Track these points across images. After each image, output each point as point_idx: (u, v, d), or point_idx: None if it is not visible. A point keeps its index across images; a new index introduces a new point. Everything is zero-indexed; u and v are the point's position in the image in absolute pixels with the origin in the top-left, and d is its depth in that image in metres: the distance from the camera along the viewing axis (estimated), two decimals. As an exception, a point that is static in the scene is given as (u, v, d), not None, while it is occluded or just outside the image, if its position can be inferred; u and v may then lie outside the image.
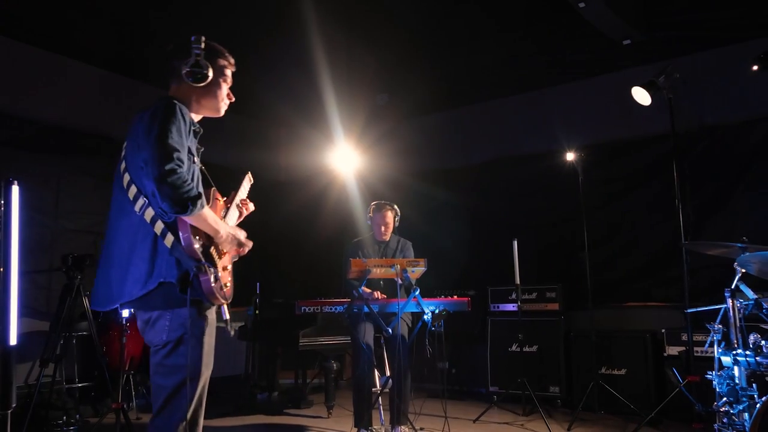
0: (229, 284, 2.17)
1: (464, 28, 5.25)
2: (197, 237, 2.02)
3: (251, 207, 2.51)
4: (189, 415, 2.02)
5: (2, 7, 4.66)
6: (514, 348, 5.32)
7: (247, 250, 2.26)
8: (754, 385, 2.75)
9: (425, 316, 3.76)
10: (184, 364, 1.98)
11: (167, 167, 1.88)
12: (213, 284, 2.00)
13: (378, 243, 4.38)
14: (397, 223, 4.40)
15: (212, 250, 2.09)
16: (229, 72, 2.29)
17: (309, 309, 3.83)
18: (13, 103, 5.10)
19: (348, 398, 4.31)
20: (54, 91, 5.39)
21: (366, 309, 3.79)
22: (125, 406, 3.85)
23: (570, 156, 5.06)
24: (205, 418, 2.15)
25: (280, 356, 5.76)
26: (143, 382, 5.18)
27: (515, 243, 4.92)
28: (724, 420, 2.80)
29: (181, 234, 1.99)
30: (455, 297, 4.03)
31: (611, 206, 5.52)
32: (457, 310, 3.87)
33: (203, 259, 2.01)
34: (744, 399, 2.71)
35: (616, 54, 5.51)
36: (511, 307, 5.44)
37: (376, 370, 4.16)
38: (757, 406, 2.48)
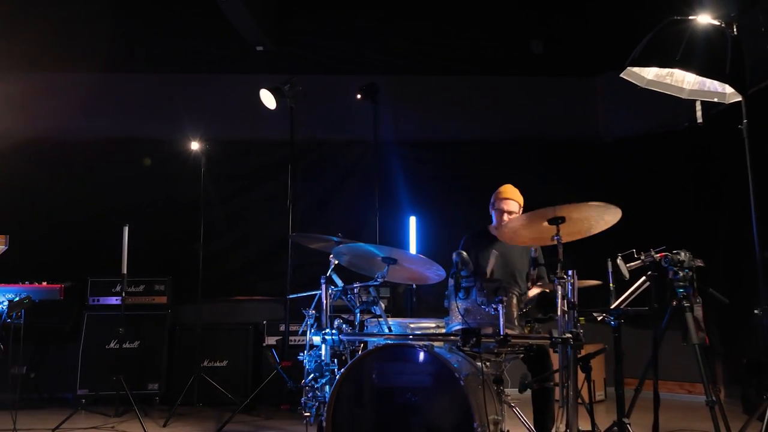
0: None
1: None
2: None
3: None
4: None
5: None
6: (112, 345, 4.86)
7: None
8: (335, 360, 3.13)
9: None
10: None
11: None
12: None
13: None
14: None
15: None
16: None
17: None
18: None
19: None
20: None
21: None
22: None
23: (195, 146, 4.97)
24: None
25: None
26: None
27: (126, 229, 4.53)
28: (310, 394, 3.09)
29: None
30: (44, 284, 3.45)
31: (230, 202, 5.66)
32: (45, 299, 3.32)
33: None
34: (327, 373, 3.06)
35: (249, 57, 5.75)
36: (114, 300, 4.98)
37: None
38: (337, 377, 2.81)
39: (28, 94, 5.71)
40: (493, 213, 3.66)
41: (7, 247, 3.18)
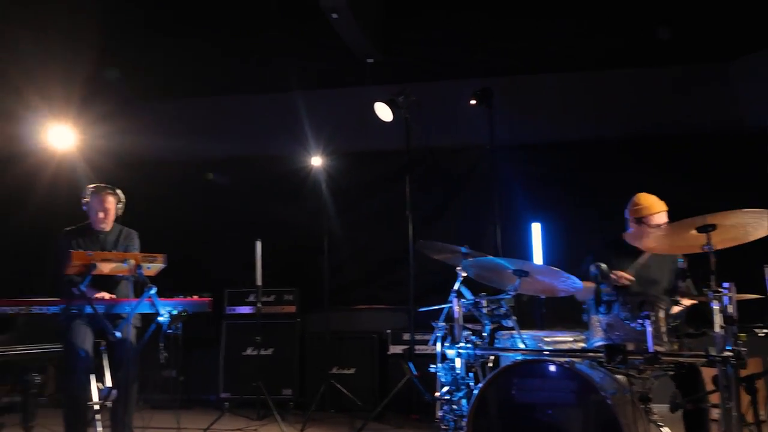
0: None
1: (210, 15, 5.01)
2: None
3: None
4: None
5: None
6: (249, 351, 5.18)
7: None
8: (470, 374, 3.14)
9: (161, 318, 3.39)
10: None
11: None
12: None
13: (97, 233, 3.83)
14: (120, 212, 3.90)
15: None
16: None
17: (12, 310, 3.12)
18: None
19: (51, 417, 3.68)
20: None
21: (89, 310, 3.26)
22: None
23: (315, 161, 5.20)
24: None
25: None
26: None
27: (258, 244, 4.82)
28: (446, 407, 3.13)
29: None
30: (195, 297, 3.74)
31: (350, 213, 5.81)
32: (197, 312, 3.60)
33: None
34: (463, 387, 3.08)
35: (360, 70, 5.89)
36: (247, 309, 5.30)
37: (94, 380, 3.62)
38: (474, 392, 2.82)
39: (159, 120, 6.26)
40: (630, 222, 3.47)
41: (165, 266, 3.48)
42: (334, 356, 5.01)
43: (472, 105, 5.38)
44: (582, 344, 3.05)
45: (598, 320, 2.78)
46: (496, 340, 3.35)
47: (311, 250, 5.49)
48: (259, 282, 4.78)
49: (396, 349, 4.93)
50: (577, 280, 2.93)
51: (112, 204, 3.83)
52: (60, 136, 5.43)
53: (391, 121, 5.08)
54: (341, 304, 5.56)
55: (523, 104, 5.71)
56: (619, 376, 2.82)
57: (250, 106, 6.31)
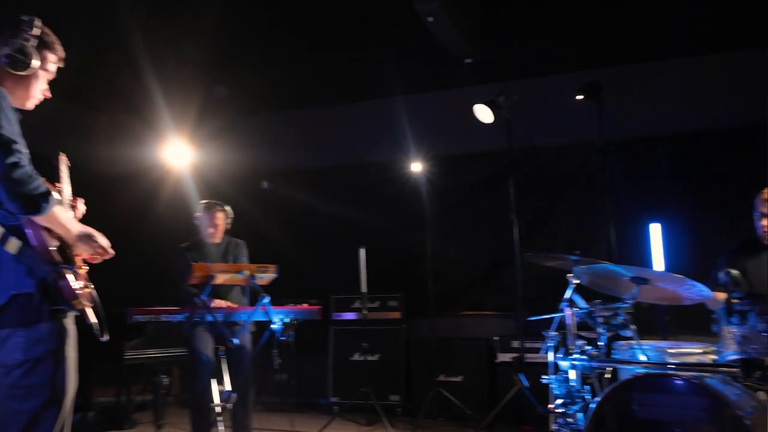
0: (90, 285, 2.01)
1: (307, 28, 5.14)
2: (50, 237, 1.80)
3: (82, 207, 2.23)
4: None
5: None
6: (356, 357, 5.27)
7: (102, 252, 2.04)
8: (586, 387, 2.98)
9: (273, 326, 3.54)
10: (46, 383, 1.82)
11: (8, 161, 1.68)
12: (74, 287, 1.81)
13: (209, 245, 4.09)
14: (228, 226, 4.15)
15: (67, 250, 1.88)
16: (54, 68, 2.07)
17: (143, 318, 3.39)
18: None
19: (179, 416, 3.93)
20: None
21: (209, 318, 3.46)
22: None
23: (415, 166, 5.20)
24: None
25: (98, 371, 5.07)
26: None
27: (362, 251, 4.90)
28: (560, 420, 2.99)
29: (31, 236, 1.76)
30: (306, 305, 3.87)
31: (451, 217, 5.74)
32: (307, 319, 3.71)
33: (60, 262, 1.79)
34: (578, 400, 2.92)
35: (458, 71, 5.80)
36: (352, 315, 5.40)
37: (215, 384, 3.85)
38: (592, 406, 2.67)
39: (262, 134, 6.55)
40: (759, 220, 3.14)
41: (276, 275, 3.62)
42: (441, 363, 4.97)
43: (579, 100, 5.13)
44: (712, 357, 2.79)
45: (730, 332, 2.53)
46: (613, 351, 3.16)
47: (414, 255, 5.49)
48: (364, 288, 4.84)
49: (504, 357, 4.80)
50: (704, 288, 2.69)
51: (222, 220, 4.08)
52: (177, 153, 5.84)
53: (492, 122, 4.97)
54: (446, 310, 5.50)
55: (636, 95, 5.34)
56: (758, 393, 2.55)
57: (349, 114, 6.43)
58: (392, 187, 5.77)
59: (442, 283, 5.41)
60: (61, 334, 1.89)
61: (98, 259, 2.07)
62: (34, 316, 1.80)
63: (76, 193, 2.24)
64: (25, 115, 2.09)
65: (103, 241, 2.04)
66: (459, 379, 4.94)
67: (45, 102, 2.15)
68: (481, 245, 5.64)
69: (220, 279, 3.57)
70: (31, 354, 1.81)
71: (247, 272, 3.55)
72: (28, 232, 1.79)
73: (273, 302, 3.83)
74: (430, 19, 4.91)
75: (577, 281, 3.18)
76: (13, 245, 1.77)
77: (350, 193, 6.08)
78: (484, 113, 4.92)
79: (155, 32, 4.68)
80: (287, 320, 3.50)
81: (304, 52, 5.55)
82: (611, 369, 3.10)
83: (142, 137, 6.28)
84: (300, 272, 5.78)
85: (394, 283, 5.50)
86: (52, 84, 2.14)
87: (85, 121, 6.66)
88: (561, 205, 5.44)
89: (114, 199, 6.12)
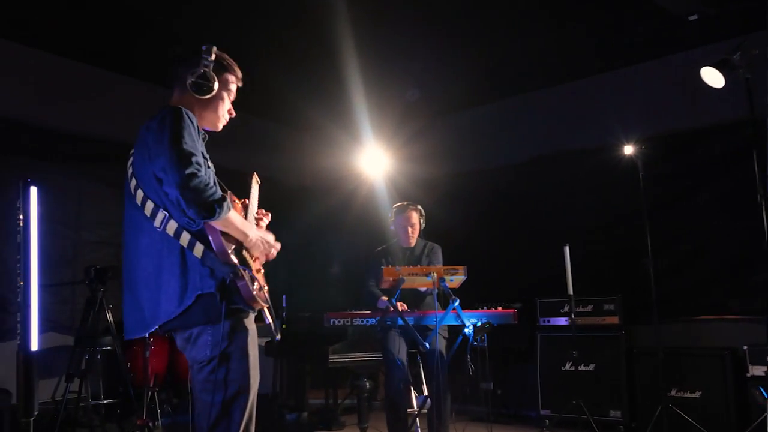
0: (266, 287, 2.11)
1: (503, 13, 4.76)
2: (228, 241, 1.96)
3: (266, 220, 2.36)
4: (241, 431, 1.97)
5: (19, 13, 4.45)
6: (567, 367, 4.74)
7: (275, 253, 2.20)
8: None
9: (466, 330, 3.30)
10: (233, 378, 1.95)
11: (187, 171, 1.83)
12: (252, 288, 1.92)
13: (403, 250, 4.01)
14: (422, 225, 4.03)
15: (244, 253, 2.02)
16: (234, 87, 2.22)
17: (339, 321, 3.46)
18: (33, 112, 4.90)
19: (383, 419, 3.90)
20: (72, 99, 5.16)
21: (400, 322, 3.35)
22: (150, 424, 3.62)
23: (628, 150, 4.51)
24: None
25: (310, 374, 5.35)
26: (168, 399, 4.89)
27: (566, 249, 4.40)
28: None
29: (212, 240, 1.92)
30: (499, 309, 3.55)
31: (677, 206, 4.91)
32: (501, 324, 3.40)
33: (238, 263, 1.93)
34: None
35: (679, 32, 4.91)
36: (562, 321, 4.88)
37: (412, 389, 3.75)
38: None
39: (460, 132, 6.35)
40: None
41: (466, 277, 3.39)
42: (671, 376, 4.22)
43: None
44: None
45: None
46: None
47: (631, 252, 4.75)
48: (570, 291, 4.34)
49: (757, 370, 3.88)
50: None
51: (416, 219, 3.99)
52: (373, 161, 5.96)
53: (722, 88, 4.10)
54: (674, 314, 4.69)
55: None
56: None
57: (547, 99, 5.92)
58: (601, 176, 5.14)
59: (667, 282, 4.61)
60: (242, 332, 1.99)
61: (271, 257, 2.18)
62: (217, 315, 1.91)
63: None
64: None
65: (274, 241, 2.16)
66: (696, 395, 4.14)
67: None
68: (717, 236, 4.71)
69: (410, 282, 3.46)
70: (217, 350, 1.94)
71: (435, 275, 3.39)
72: (210, 236, 1.91)
73: (471, 306, 3.61)
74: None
75: None
76: (198, 249, 1.90)
77: (554, 186, 5.59)
78: (713, 77, 4.07)
79: (362, 35, 4.74)
80: (478, 324, 3.22)
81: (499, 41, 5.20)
82: None
83: (341, 147, 6.56)
84: (503, 274, 5.46)
85: (609, 285, 4.85)
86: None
87: (290, 136, 7.19)
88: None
89: (314, 207, 6.51)
